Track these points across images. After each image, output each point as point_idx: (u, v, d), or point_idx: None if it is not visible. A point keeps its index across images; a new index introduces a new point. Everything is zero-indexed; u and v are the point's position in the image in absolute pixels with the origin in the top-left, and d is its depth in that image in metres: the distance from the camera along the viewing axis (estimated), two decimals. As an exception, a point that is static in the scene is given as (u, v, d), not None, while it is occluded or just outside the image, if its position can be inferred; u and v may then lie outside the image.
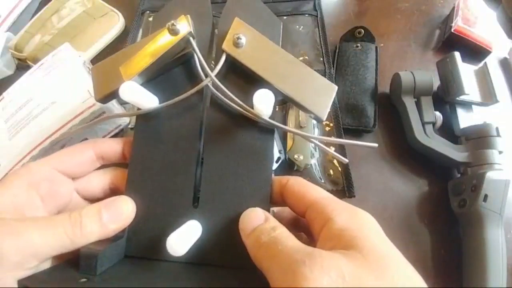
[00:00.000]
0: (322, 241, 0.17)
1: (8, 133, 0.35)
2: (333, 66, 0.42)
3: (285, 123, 0.38)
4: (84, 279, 0.17)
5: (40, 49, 0.45)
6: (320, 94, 0.22)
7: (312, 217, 0.18)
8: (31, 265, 0.17)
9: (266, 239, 0.17)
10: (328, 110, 0.22)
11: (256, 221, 0.19)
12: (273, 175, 0.22)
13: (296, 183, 0.21)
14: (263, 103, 0.20)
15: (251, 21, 0.23)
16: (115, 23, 0.48)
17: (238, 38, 0.22)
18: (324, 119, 0.22)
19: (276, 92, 0.21)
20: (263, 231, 0.18)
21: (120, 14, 0.49)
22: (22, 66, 0.48)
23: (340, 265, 0.14)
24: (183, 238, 0.18)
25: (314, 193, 0.19)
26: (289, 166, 0.36)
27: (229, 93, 0.22)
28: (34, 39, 0.46)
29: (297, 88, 0.22)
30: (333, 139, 0.23)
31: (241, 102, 0.21)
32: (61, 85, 0.35)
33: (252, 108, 0.21)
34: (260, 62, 0.22)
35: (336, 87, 0.23)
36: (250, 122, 0.22)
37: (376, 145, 0.21)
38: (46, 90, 0.35)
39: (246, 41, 0.22)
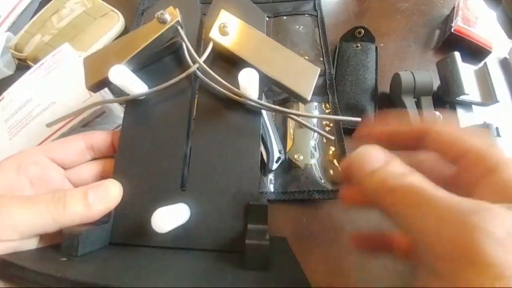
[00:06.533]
0: (481, 194, 0.15)
1: (8, 133, 0.34)
2: (333, 66, 0.42)
3: (285, 122, 0.38)
4: (64, 259, 0.17)
5: (40, 49, 0.45)
6: (304, 76, 0.23)
7: (469, 166, 0.16)
8: (11, 238, 0.17)
9: (398, 183, 0.15)
10: (312, 90, 0.23)
11: (377, 162, 0.17)
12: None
13: (447, 130, 0.18)
14: (247, 81, 0.20)
15: (236, 14, 0.25)
16: (115, 23, 0.48)
17: (224, 26, 0.23)
18: (308, 99, 0.23)
19: (261, 75, 0.22)
20: (391, 175, 0.16)
21: (120, 14, 0.49)
22: (22, 66, 0.48)
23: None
24: (169, 214, 0.18)
25: (469, 140, 0.16)
26: (289, 166, 0.36)
27: (214, 75, 0.22)
28: (34, 39, 0.46)
29: (281, 71, 0.23)
30: (316, 115, 0.24)
31: (227, 84, 0.22)
32: (61, 85, 0.35)
33: (238, 89, 0.22)
34: (246, 48, 0.23)
35: (319, 69, 0.24)
36: (238, 105, 0.23)
37: (359, 119, 0.21)
38: (46, 90, 0.35)
39: (232, 30, 0.23)
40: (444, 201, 0.13)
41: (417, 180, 0.15)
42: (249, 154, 0.22)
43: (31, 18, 0.49)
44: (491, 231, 0.11)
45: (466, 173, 0.16)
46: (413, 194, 0.14)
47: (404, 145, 0.19)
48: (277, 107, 0.23)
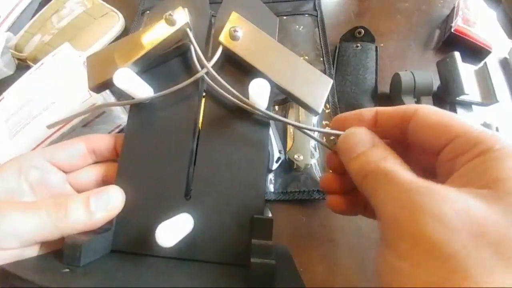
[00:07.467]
0: (463, 176, 0.14)
1: (8, 133, 0.34)
2: (333, 66, 0.42)
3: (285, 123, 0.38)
4: (67, 270, 0.16)
5: (40, 49, 0.45)
6: (316, 87, 0.22)
7: (459, 151, 0.15)
8: (12, 246, 0.17)
9: (373, 167, 0.16)
10: (323, 102, 0.22)
11: (362, 146, 0.17)
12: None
13: (430, 113, 0.16)
14: (258, 92, 0.20)
15: (248, 17, 0.24)
16: (115, 23, 0.48)
17: (235, 30, 0.22)
18: (320, 111, 0.22)
19: (272, 84, 0.21)
20: (370, 159, 0.16)
21: (120, 14, 0.49)
22: (22, 66, 0.48)
23: (465, 200, 0.12)
24: (173, 229, 0.17)
25: (461, 124, 0.15)
26: (289, 166, 0.36)
27: (224, 83, 0.21)
28: (34, 39, 0.46)
29: (293, 81, 0.22)
30: (319, 129, 0.23)
31: (237, 93, 0.21)
32: (61, 85, 0.35)
33: (248, 99, 0.21)
34: (256, 55, 0.22)
35: (332, 81, 0.23)
36: (246, 114, 0.22)
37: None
38: (46, 90, 0.35)
39: (243, 34, 0.23)
40: (404, 183, 0.14)
41: (390, 164, 0.15)
42: (255, 166, 0.21)
43: (31, 18, 0.49)
44: (433, 210, 0.12)
45: (455, 158, 0.15)
46: (382, 177, 0.15)
47: (389, 132, 0.19)
48: (290, 121, 0.22)
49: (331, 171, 0.22)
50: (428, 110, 0.17)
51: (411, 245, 0.12)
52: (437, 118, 0.16)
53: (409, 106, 0.18)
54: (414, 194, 0.13)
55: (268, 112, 0.21)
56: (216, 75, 0.21)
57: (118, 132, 0.39)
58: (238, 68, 0.23)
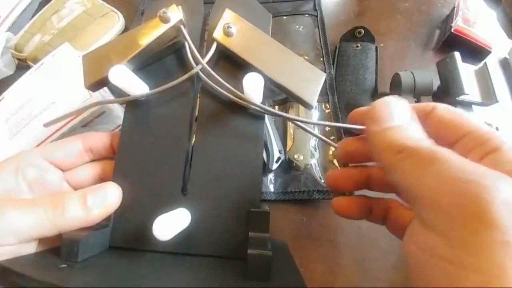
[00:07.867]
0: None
1: (8, 133, 0.35)
2: (333, 66, 0.42)
3: (285, 122, 0.38)
4: (64, 265, 0.17)
5: (40, 49, 0.45)
6: (309, 81, 0.23)
7: (469, 147, 0.16)
8: (10, 242, 0.17)
9: (414, 144, 0.15)
10: (317, 96, 0.23)
11: (401, 118, 0.16)
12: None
13: (447, 111, 0.18)
14: (252, 87, 0.20)
15: (241, 13, 0.24)
16: (115, 23, 0.48)
17: (229, 27, 0.22)
18: (313, 105, 0.22)
19: (266, 79, 0.21)
20: (410, 135, 0.16)
21: (120, 14, 0.49)
22: (22, 66, 0.48)
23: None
24: (170, 222, 0.18)
25: (472, 122, 0.17)
26: (289, 166, 0.36)
27: (219, 78, 0.22)
28: (34, 39, 0.46)
29: (286, 75, 0.22)
30: (319, 122, 0.23)
31: (232, 88, 0.22)
32: (61, 85, 0.35)
33: (242, 94, 0.21)
34: (250, 51, 0.23)
35: (325, 75, 0.23)
36: (241, 109, 0.22)
37: (363, 127, 0.19)
38: (46, 90, 0.35)
39: (236, 30, 0.23)
40: (458, 163, 0.13)
41: (431, 143, 0.15)
42: (251, 160, 0.21)
43: (31, 18, 0.49)
44: (499, 193, 0.12)
45: (465, 154, 0.15)
46: (428, 156, 0.14)
47: None
48: (284, 114, 0.22)
49: (339, 165, 0.22)
50: (445, 108, 0.18)
51: (476, 231, 0.12)
52: (451, 116, 0.17)
53: (427, 103, 0.19)
54: (478, 178, 0.12)
55: (262, 105, 0.21)
56: (211, 71, 0.22)
57: (118, 132, 0.39)
58: (233, 64, 0.23)
